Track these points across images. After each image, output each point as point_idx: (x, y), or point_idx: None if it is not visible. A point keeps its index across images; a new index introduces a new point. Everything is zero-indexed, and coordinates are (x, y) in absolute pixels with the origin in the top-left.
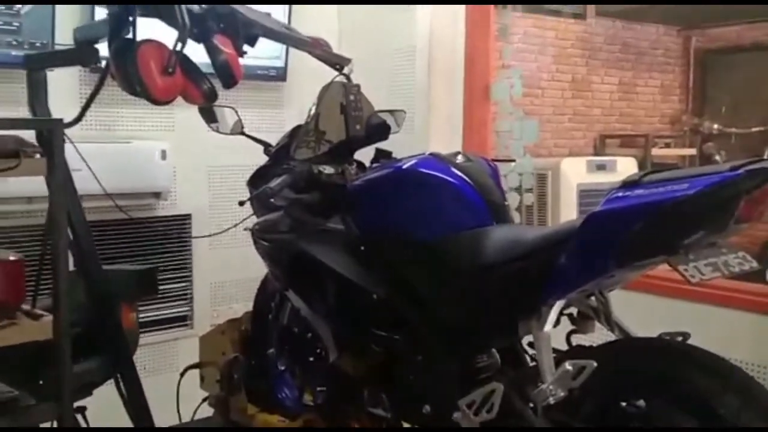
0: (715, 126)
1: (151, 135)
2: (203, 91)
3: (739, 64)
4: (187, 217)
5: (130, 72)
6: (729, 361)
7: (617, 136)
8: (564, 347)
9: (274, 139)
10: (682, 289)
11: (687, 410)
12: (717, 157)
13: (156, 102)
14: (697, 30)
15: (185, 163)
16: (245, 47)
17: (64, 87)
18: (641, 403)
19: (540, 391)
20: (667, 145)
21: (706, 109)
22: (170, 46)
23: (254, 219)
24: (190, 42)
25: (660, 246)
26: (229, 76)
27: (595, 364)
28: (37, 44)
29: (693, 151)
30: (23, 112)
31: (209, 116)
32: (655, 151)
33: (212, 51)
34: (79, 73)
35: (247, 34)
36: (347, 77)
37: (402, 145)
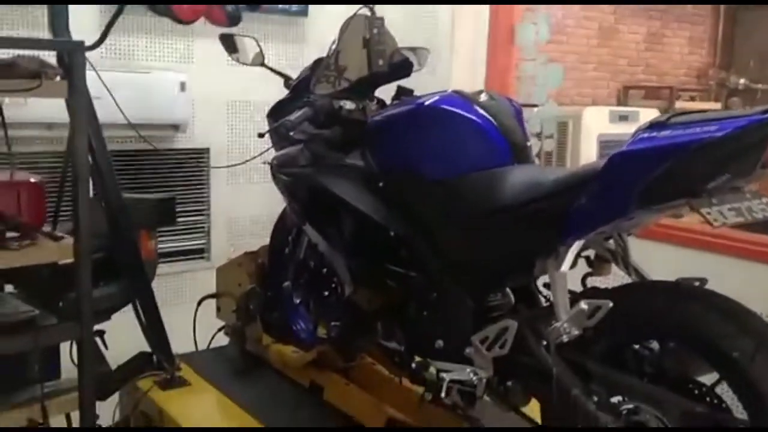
0: (742, 81)
1: (171, 66)
2: (228, 13)
3: None
4: (205, 151)
5: None
6: (745, 306)
7: (641, 87)
8: (579, 290)
9: (293, 74)
10: (700, 239)
11: (700, 353)
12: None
13: (181, 21)
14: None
15: (204, 96)
16: None
17: (85, 14)
18: (654, 345)
19: (554, 328)
20: (692, 99)
21: (734, 64)
22: None
23: (272, 153)
24: None
25: (684, 188)
26: None
27: (611, 304)
28: None
29: (718, 106)
30: (44, 36)
31: (230, 45)
32: (680, 104)
33: None
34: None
35: None
36: (372, 9)
37: (423, 86)
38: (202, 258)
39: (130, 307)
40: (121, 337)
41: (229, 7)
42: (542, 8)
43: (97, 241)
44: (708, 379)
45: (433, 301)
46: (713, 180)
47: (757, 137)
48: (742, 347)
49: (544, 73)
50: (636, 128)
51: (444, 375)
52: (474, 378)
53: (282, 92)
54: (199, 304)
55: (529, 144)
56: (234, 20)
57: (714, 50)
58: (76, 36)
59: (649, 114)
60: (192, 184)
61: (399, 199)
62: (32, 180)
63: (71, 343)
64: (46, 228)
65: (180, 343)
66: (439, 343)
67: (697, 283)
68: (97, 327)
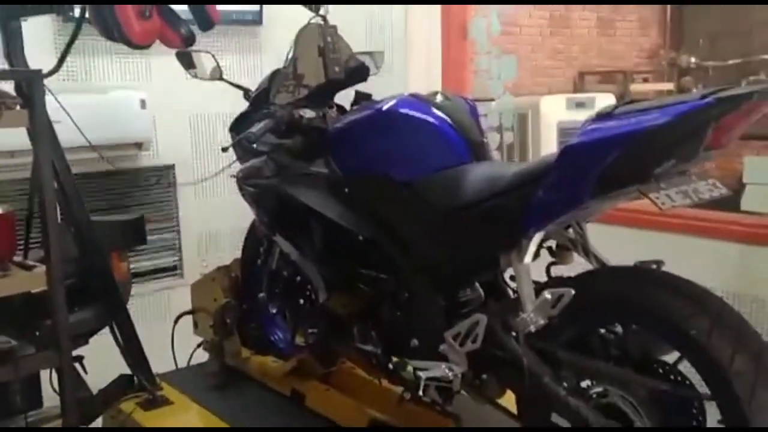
0: (692, 60)
1: (129, 84)
2: (181, 35)
3: None
4: (170, 167)
5: (108, 17)
6: (700, 286)
7: (596, 72)
8: (545, 280)
9: (252, 85)
10: (656, 221)
11: (661, 334)
12: (694, 91)
13: (134, 46)
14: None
15: (165, 112)
16: None
17: (39, 38)
18: (618, 328)
19: (521, 319)
20: (646, 80)
21: (684, 43)
22: None
23: (237, 166)
24: None
25: (633, 175)
26: (206, 19)
27: (573, 292)
28: None
29: (671, 86)
30: None
31: (187, 62)
32: (634, 87)
33: None
34: (53, 23)
35: None
36: (324, 18)
37: (381, 87)
38: (175, 275)
39: (107, 330)
40: (100, 360)
41: (183, 29)
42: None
43: (68, 267)
44: (671, 358)
45: (405, 302)
46: (659, 165)
47: (697, 122)
48: (698, 325)
49: (499, 65)
50: (584, 120)
51: (420, 373)
52: (450, 374)
53: (243, 103)
54: (176, 321)
55: (485, 140)
56: (188, 41)
57: (664, 31)
58: (32, 59)
59: (605, 98)
60: (160, 202)
61: (365, 203)
62: (0, 211)
63: (51, 371)
64: (17, 257)
65: (159, 362)
66: (414, 342)
67: (654, 266)
68: (75, 352)
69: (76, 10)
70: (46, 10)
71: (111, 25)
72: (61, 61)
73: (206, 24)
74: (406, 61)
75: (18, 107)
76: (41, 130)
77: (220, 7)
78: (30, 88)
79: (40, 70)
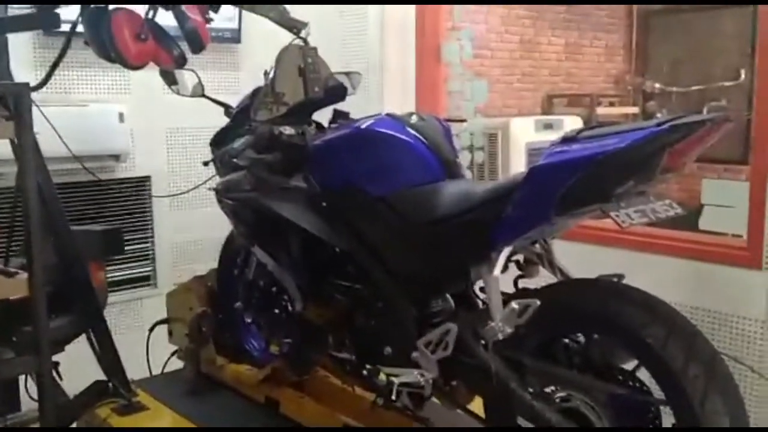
0: (657, 85)
1: (108, 98)
2: (174, 56)
3: (679, 25)
4: (147, 178)
5: (105, 39)
6: (657, 298)
7: (564, 95)
8: (512, 291)
9: (229, 101)
10: (618, 238)
11: (621, 342)
12: (659, 115)
13: (130, 67)
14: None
15: (143, 126)
16: (210, 13)
17: (18, 51)
18: (581, 337)
19: (489, 328)
20: (612, 104)
21: (649, 69)
22: (142, 14)
23: (214, 180)
24: (159, 9)
25: (595, 195)
26: (197, 41)
27: (539, 302)
28: None
29: (636, 110)
30: None
31: (170, 79)
32: (600, 110)
33: (180, 18)
34: (33, 37)
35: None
36: (304, 40)
37: (357, 106)
38: (148, 285)
39: (81, 337)
40: (74, 367)
41: (176, 51)
42: (466, 25)
43: (47, 274)
44: (630, 365)
45: (379, 311)
46: (620, 186)
47: (654, 147)
48: (655, 334)
49: (471, 87)
50: (550, 143)
51: (394, 379)
52: (422, 380)
53: (218, 118)
54: (151, 330)
55: (458, 159)
56: (180, 62)
57: (629, 57)
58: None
59: (572, 121)
60: (135, 212)
61: (342, 216)
62: None
63: (26, 377)
64: None
65: (132, 370)
66: (387, 349)
67: (615, 279)
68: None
69: (65, 26)
70: (35, 26)
71: (108, 47)
72: (50, 75)
73: (197, 46)
74: (382, 82)
75: (2, 120)
76: (26, 141)
77: None
78: (17, 101)
79: (27, 84)
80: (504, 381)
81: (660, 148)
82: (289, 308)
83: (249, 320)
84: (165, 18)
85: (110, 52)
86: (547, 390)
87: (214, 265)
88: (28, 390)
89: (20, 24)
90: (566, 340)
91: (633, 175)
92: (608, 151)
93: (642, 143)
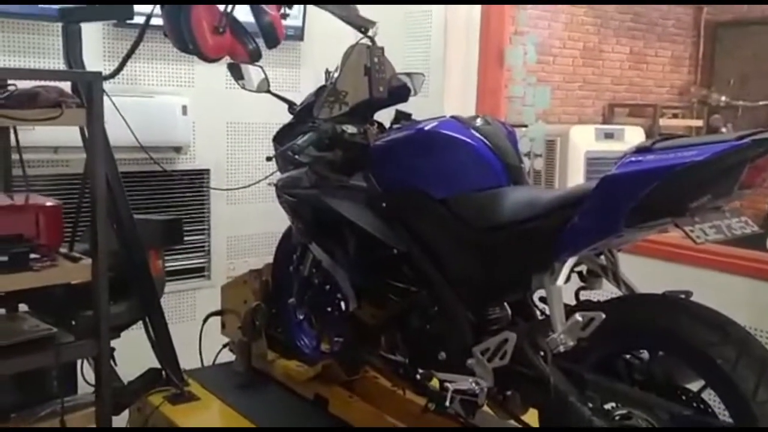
0: (723, 98)
1: (173, 90)
2: (249, 51)
3: (748, 37)
4: (206, 171)
5: (183, 31)
6: (727, 316)
7: (626, 105)
8: (573, 303)
9: (290, 98)
10: (685, 255)
11: (687, 361)
12: (723, 129)
13: (207, 59)
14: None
15: (204, 119)
16: (286, 9)
17: (89, 41)
18: (644, 354)
19: (551, 339)
20: (675, 116)
21: (715, 82)
22: (220, 7)
23: (274, 176)
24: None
25: (669, 208)
26: (273, 36)
27: (604, 315)
28: None
29: (700, 123)
30: (52, 63)
31: (237, 73)
32: (663, 122)
33: (258, 13)
34: (102, 27)
35: None
36: (372, 40)
37: (417, 108)
38: (202, 277)
39: (134, 325)
40: (127, 354)
41: (251, 45)
42: (530, 31)
43: (108, 260)
44: (695, 386)
45: (435, 315)
46: (695, 200)
47: (734, 161)
48: (725, 355)
49: (533, 94)
50: (623, 152)
51: (448, 385)
52: (476, 388)
53: (277, 114)
54: (205, 321)
55: (522, 165)
56: (255, 57)
57: (695, 69)
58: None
59: (633, 131)
60: (193, 204)
61: (401, 218)
62: (50, 203)
63: (82, 362)
64: (63, 249)
65: (185, 359)
66: (442, 354)
67: (682, 296)
68: None
69: (139, 19)
70: (110, 17)
71: (186, 39)
72: (122, 65)
73: (273, 41)
74: (443, 85)
75: (74, 107)
76: (97, 129)
77: None
78: (90, 90)
79: (100, 73)
80: (563, 394)
81: (740, 162)
82: (343, 307)
83: (301, 317)
84: (242, 13)
85: (188, 44)
86: (607, 406)
87: (268, 259)
88: (84, 374)
89: (96, 14)
90: (628, 356)
91: (710, 189)
92: (686, 163)
93: (722, 157)
